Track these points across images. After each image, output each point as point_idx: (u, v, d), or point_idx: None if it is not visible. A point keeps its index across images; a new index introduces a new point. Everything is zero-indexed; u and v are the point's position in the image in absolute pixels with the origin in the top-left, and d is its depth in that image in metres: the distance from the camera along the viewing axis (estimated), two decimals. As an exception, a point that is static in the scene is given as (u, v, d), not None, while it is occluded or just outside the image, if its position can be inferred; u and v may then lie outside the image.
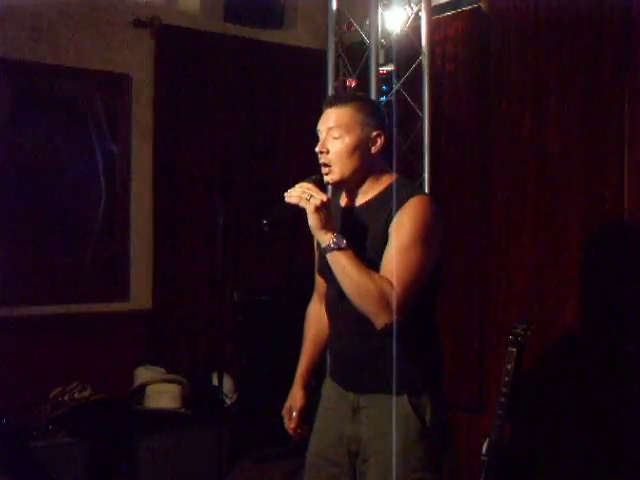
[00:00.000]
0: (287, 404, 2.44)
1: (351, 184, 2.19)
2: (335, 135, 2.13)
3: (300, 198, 2.05)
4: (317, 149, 2.16)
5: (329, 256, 2.04)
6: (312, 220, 2.04)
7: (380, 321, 1.99)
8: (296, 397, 2.43)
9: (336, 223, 2.14)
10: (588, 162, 3.51)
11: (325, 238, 2.03)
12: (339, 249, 2.01)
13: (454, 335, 4.04)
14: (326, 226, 2.04)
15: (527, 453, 3.61)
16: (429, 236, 2.07)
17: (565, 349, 3.60)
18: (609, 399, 3.37)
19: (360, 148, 2.14)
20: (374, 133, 2.15)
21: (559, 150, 3.66)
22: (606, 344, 3.40)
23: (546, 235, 3.71)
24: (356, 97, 2.25)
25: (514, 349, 3.35)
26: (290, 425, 2.42)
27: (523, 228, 3.82)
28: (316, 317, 2.44)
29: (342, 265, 2.01)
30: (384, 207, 2.11)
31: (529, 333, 3.38)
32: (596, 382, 3.42)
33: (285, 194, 2.09)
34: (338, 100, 2.19)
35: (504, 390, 3.32)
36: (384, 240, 2.07)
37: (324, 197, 2.04)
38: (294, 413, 2.40)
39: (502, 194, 3.96)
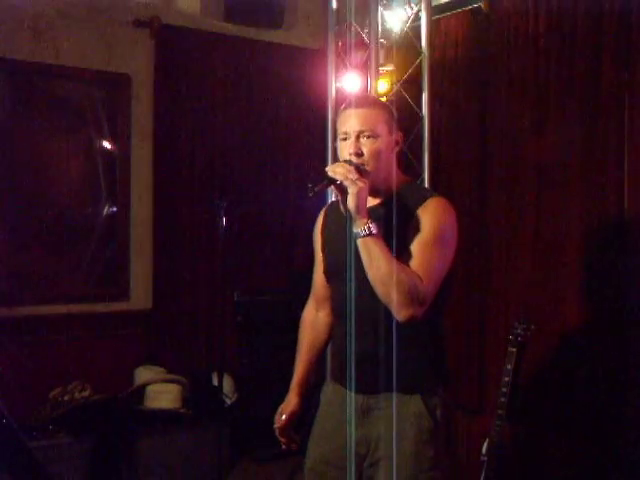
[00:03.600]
0: (279, 408, 2.41)
1: (373, 182, 2.16)
2: (367, 135, 2.12)
3: (346, 177, 2.02)
4: (351, 151, 2.12)
5: (361, 242, 2.02)
6: (354, 201, 2.00)
7: (405, 313, 1.99)
8: (289, 402, 2.39)
9: (346, 225, 2.14)
10: (588, 162, 3.51)
11: (361, 222, 2.02)
12: (372, 235, 2.01)
13: (454, 335, 4.03)
14: (363, 211, 2.03)
15: (527, 453, 3.61)
16: (448, 236, 2.11)
17: (565, 349, 3.60)
18: (609, 399, 3.37)
19: (389, 149, 2.17)
20: (398, 135, 2.19)
21: (559, 149, 3.66)
22: (606, 344, 3.40)
23: (546, 235, 3.71)
24: (378, 99, 2.32)
25: (514, 349, 3.35)
26: (276, 426, 2.37)
27: (523, 228, 3.82)
28: (312, 323, 2.43)
29: (374, 252, 2.01)
30: (402, 208, 2.11)
31: (529, 333, 3.38)
32: (596, 382, 3.42)
33: (327, 169, 2.06)
34: (365, 101, 2.20)
35: (504, 390, 3.32)
36: (403, 241, 2.07)
37: (365, 182, 2.03)
38: (283, 416, 2.37)
39: (502, 194, 3.96)
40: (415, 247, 2.06)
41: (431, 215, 2.09)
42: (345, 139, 2.15)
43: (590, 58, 3.50)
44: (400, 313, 2.00)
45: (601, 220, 3.47)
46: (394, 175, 2.20)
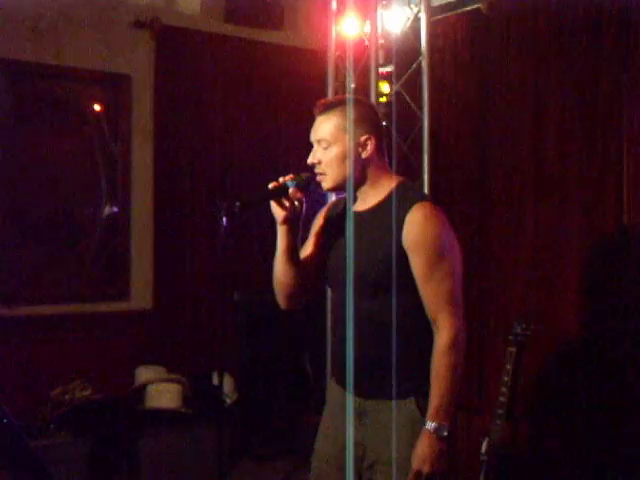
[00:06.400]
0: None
1: (352, 189, 2.17)
2: (324, 145, 2.12)
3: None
4: (309, 161, 2.14)
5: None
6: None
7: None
8: None
9: (345, 228, 2.15)
10: (587, 164, 3.52)
11: (439, 426, 2.07)
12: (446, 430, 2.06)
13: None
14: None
15: (527, 453, 3.62)
16: (446, 242, 2.08)
17: (565, 349, 3.61)
18: (609, 399, 3.38)
19: (349, 155, 2.11)
20: (362, 138, 2.12)
21: (559, 150, 3.67)
22: (605, 344, 3.41)
23: (546, 235, 3.71)
24: (343, 102, 2.17)
25: (514, 349, 3.36)
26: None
27: (523, 228, 3.82)
28: None
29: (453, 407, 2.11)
30: (388, 216, 2.08)
31: (529, 333, 3.39)
32: (596, 382, 3.43)
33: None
34: (325, 108, 2.15)
35: (504, 390, 3.33)
36: (391, 252, 2.05)
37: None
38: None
39: (502, 194, 3.97)
40: (422, 277, 2.05)
41: (418, 233, 2.03)
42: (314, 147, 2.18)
43: (589, 60, 3.50)
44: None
45: (600, 221, 3.48)
46: (378, 177, 2.16)
